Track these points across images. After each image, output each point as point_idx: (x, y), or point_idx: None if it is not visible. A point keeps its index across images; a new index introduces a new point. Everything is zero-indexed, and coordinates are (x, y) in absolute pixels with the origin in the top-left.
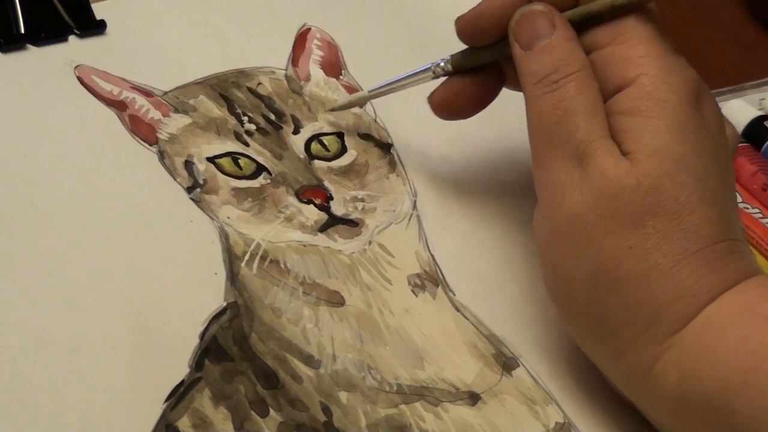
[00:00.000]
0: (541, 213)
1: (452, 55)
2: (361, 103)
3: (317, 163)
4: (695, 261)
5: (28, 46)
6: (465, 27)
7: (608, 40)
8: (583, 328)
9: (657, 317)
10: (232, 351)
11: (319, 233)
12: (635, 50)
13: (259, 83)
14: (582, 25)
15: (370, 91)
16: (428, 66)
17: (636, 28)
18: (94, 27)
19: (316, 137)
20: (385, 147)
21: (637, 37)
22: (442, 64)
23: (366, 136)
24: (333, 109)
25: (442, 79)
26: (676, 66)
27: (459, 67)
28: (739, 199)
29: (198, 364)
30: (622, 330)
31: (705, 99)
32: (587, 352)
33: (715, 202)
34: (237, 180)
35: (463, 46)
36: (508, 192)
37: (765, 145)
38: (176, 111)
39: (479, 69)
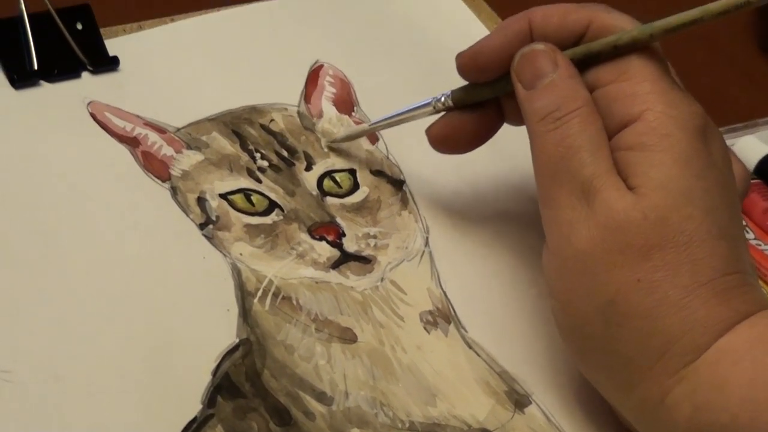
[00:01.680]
0: (550, 250)
1: (453, 91)
2: (360, 135)
3: (329, 199)
4: (705, 293)
5: (42, 82)
6: (465, 64)
7: (612, 77)
8: (593, 361)
9: (668, 349)
10: (245, 388)
11: (331, 270)
12: (640, 87)
13: (272, 120)
14: (584, 64)
15: (370, 125)
16: (429, 101)
17: (640, 65)
18: (107, 63)
19: (329, 174)
20: (398, 184)
21: (641, 74)
22: (442, 99)
23: (378, 173)
24: (333, 141)
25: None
26: (682, 101)
27: (459, 102)
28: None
29: (210, 400)
30: (633, 362)
31: (711, 134)
32: (597, 386)
33: (724, 235)
34: (249, 216)
35: None
36: (521, 229)
37: None
38: (189, 147)
39: (479, 105)
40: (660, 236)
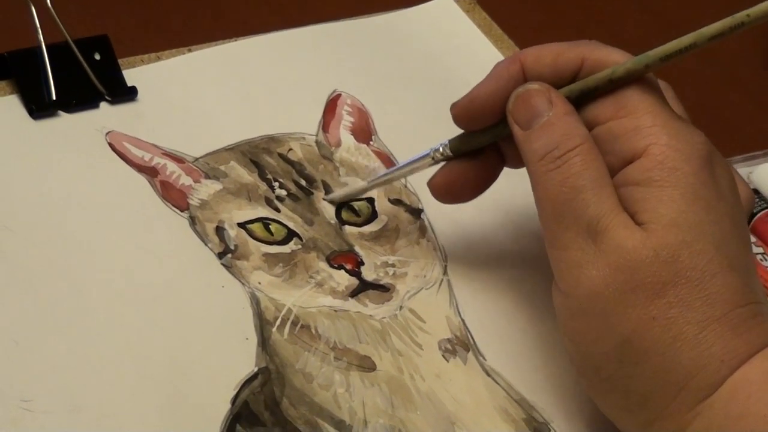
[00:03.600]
0: (560, 290)
1: (450, 140)
2: (359, 194)
3: (348, 228)
4: (720, 327)
5: (60, 112)
6: (459, 114)
7: (611, 113)
8: (610, 399)
9: (685, 385)
10: (264, 416)
11: (350, 298)
12: (641, 121)
13: (290, 149)
14: (580, 100)
15: (369, 182)
16: (427, 152)
17: (638, 98)
18: (125, 93)
19: (347, 203)
20: (416, 212)
21: (640, 108)
22: (440, 149)
23: (396, 202)
24: (330, 199)
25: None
26: (685, 132)
27: (457, 151)
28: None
29: (230, 429)
30: (650, 400)
31: (717, 162)
32: (615, 422)
33: (735, 267)
34: (268, 245)
35: None
36: (539, 257)
37: None
38: (207, 177)
39: (478, 152)
40: (672, 273)
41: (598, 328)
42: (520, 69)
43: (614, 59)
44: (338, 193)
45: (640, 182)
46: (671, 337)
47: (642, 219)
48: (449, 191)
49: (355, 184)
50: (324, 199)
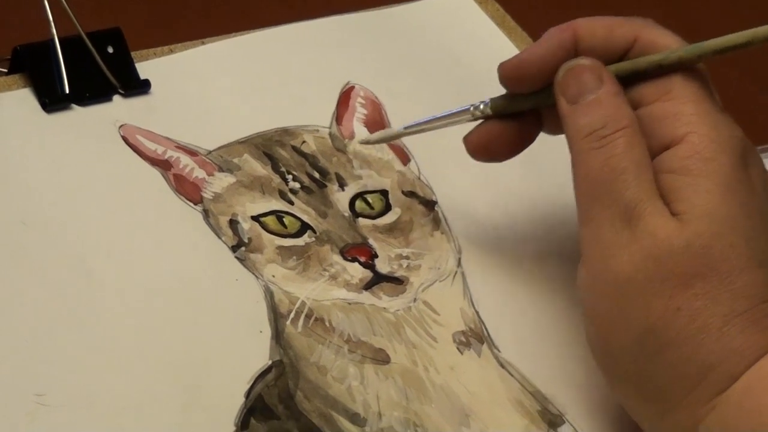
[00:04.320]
0: (586, 270)
1: (492, 99)
2: (395, 138)
3: (361, 221)
4: (742, 321)
5: (73, 106)
6: (507, 74)
7: (655, 96)
8: (627, 388)
9: (704, 378)
10: (278, 410)
11: (363, 291)
12: (684, 108)
13: (303, 141)
14: (627, 81)
15: (405, 128)
16: (467, 107)
17: (684, 85)
18: (138, 86)
19: (361, 195)
20: (430, 204)
21: (685, 95)
22: (481, 107)
23: (410, 194)
24: (365, 142)
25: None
26: (725, 125)
27: (498, 111)
28: None
29: (244, 422)
30: (668, 390)
31: (752, 158)
32: (630, 411)
33: (762, 262)
34: (282, 238)
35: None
36: (554, 248)
37: None
38: (221, 170)
39: (517, 113)
40: (702, 265)
41: (622, 314)
42: (572, 37)
43: (666, 43)
44: (375, 135)
45: (677, 170)
46: (695, 329)
47: (677, 209)
48: (485, 149)
49: (391, 129)
50: (360, 142)
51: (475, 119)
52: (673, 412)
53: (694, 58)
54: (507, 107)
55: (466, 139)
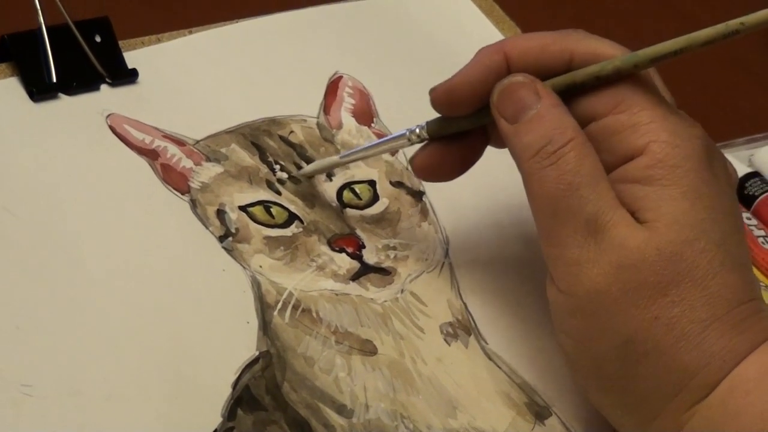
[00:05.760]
0: (557, 289)
1: (428, 122)
2: (331, 167)
3: (349, 211)
4: (721, 326)
5: (60, 95)
6: (439, 100)
7: (607, 109)
8: (608, 398)
9: (685, 385)
10: (265, 400)
11: (351, 282)
12: (639, 117)
13: (291, 131)
14: (565, 95)
15: (341, 157)
16: (403, 132)
17: (634, 93)
18: (126, 76)
19: (348, 185)
20: (417, 195)
21: (637, 104)
22: (417, 130)
23: (398, 184)
24: (302, 174)
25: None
26: (683, 127)
27: (435, 134)
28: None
29: (231, 413)
30: (650, 399)
31: (714, 156)
32: (611, 421)
33: (735, 264)
34: (269, 229)
35: None
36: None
37: None
38: (208, 160)
39: (460, 132)
40: (675, 272)
41: (599, 327)
42: (503, 60)
43: (603, 51)
44: (309, 167)
45: (641, 180)
46: (674, 337)
47: (644, 217)
48: (430, 171)
49: (327, 158)
50: (294, 175)
51: (413, 143)
52: (655, 420)
53: (631, 67)
54: (444, 129)
55: (411, 162)
